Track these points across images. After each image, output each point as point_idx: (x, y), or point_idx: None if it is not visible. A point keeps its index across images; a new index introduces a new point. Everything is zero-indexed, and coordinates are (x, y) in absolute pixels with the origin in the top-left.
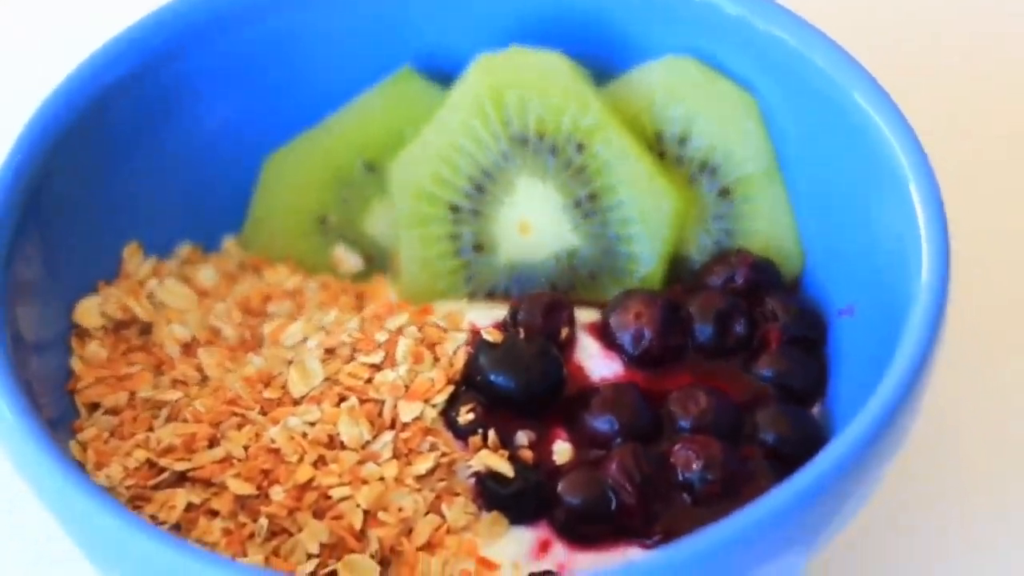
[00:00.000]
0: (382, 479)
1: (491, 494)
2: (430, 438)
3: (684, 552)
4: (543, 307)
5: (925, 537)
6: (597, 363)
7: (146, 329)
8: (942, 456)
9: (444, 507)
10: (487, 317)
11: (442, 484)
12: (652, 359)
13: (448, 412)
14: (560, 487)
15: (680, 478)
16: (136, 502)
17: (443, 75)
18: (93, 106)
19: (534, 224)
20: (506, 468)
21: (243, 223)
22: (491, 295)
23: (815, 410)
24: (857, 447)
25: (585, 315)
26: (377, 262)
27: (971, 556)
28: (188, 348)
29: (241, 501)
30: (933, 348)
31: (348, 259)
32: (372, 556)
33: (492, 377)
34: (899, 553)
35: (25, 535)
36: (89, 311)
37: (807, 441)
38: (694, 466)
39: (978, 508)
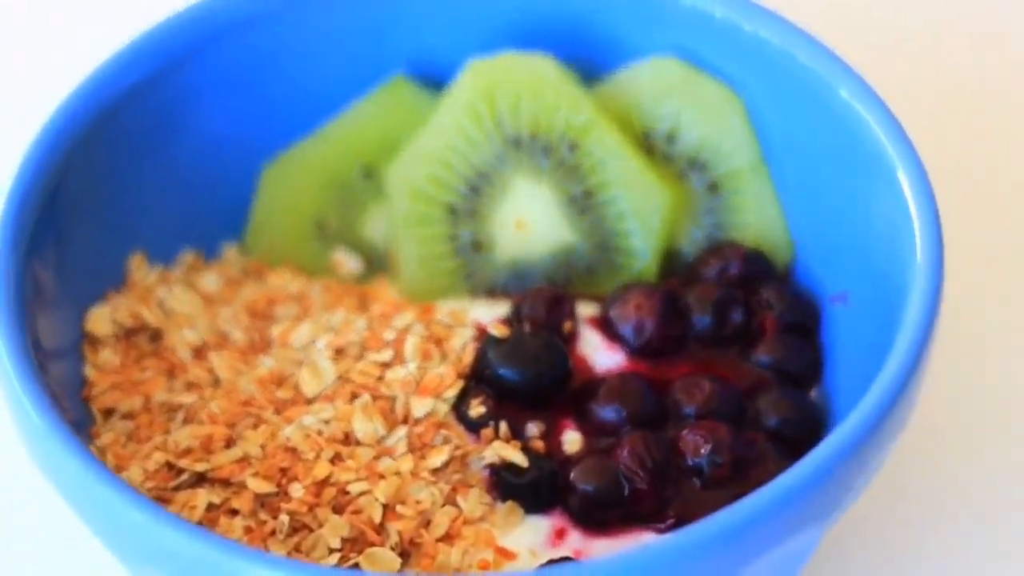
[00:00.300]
0: (398, 473)
1: (506, 484)
2: (443, 432)
3: (701, 533)
4: (546, 302)
5: (920, 527)
6: (600, 355)
7: (156, 336)
8: (938, 452)
9: (460, 499)
10: (489, 314)
11: (457, 476)
12: (653, 349)
13: (459, 406)
14: (573, 475)
15: (689, 463)
16: (157, 503)
17: (435, 82)
18: (104, 115)
19: (531, 222)
20: (520, 458)
21: (241, 230)
22: (490, 292)
23: (813, 394)
24: (867, 425)
25: (585, 309)
26: (376, 264)
27: (966, 546)
28: (199, 352)
29: (261, 499)
30: (934, 325)
31: (348, 262)
32: (392, 548)
33: (501, 371)
34: (896, 541)
35: (25, 535)
36: (101, 319)
37: (808, 424)
38: (703, 450)
39: (972, 502)
